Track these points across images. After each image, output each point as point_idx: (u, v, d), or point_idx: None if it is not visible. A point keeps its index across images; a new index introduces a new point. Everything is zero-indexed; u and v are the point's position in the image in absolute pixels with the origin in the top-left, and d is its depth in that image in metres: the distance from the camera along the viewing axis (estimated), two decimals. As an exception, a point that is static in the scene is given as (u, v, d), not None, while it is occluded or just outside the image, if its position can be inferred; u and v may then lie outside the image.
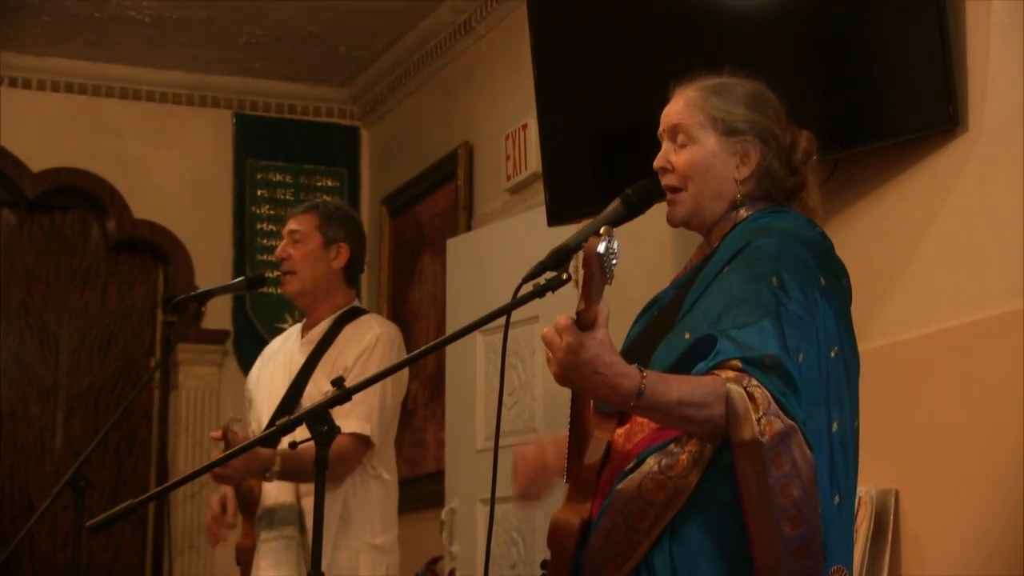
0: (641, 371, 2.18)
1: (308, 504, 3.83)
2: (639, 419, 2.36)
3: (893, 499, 3.35)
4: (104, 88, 6.78)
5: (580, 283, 2.10)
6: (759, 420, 2.18)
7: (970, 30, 3.33)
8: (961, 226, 3.33)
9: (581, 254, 2.07)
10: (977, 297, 3.25)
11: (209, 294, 4.18)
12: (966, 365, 3.25)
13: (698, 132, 2.51)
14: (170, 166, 6.86)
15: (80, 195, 6.76)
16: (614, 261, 2.07)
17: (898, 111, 3.47)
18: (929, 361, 3.35)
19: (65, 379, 6.72)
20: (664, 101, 2.60)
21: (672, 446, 2.29)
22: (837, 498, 2.32)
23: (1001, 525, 3.12)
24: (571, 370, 2.17)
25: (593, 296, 2.11)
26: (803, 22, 3.65)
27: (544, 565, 2.41)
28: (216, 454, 3.67)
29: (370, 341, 3.94)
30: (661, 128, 2.57)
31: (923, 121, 3.39)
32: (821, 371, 2.33)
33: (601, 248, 2.05)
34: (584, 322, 2.13)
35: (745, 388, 2.20)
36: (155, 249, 6.85)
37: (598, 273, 2.06)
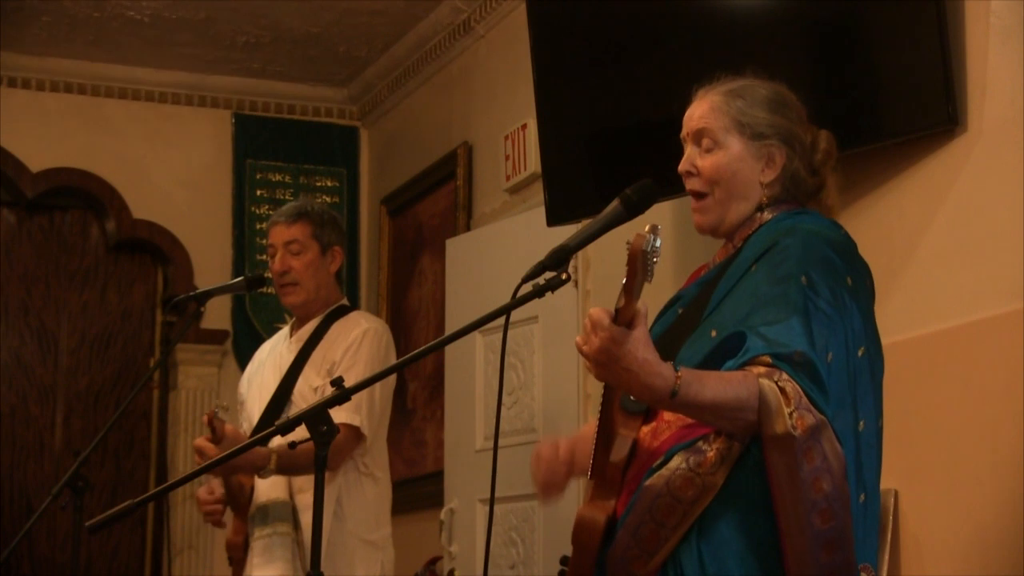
0: (676, 370, 2.18)
1: (301, 500, 3.84)
2: (665, 417, 2.37)
3: (893, 499, 3.35)
4: (104, 88, 6.78)
5: (624, 279, 2.09)
6: (791, 414, 2.19)
7: (970, 30, 3.33)
8: (961, 226, 3.33)
9: (627, 250, 2.07)
10: (977, 297, 3.25)
11: (208, 294, 4.18)
12: (966, 365, 3.25)
13: (724, 136, 2.51)
14: (170, 166, 6.86)
15: (80, 195, 6.76)
16: (656, 259, 2.08)
17: (898, 111, 3.47)
18: (929, 361, 3.35)
19: (64, 379, 6.72)
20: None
21: (700, 443, 2.30)
22: (862, 496, 2.33)
23: (1001, 525, 3.11)
24: (604, 367, 2.18)
25: (634, 293, 2.11)
26: (803, 22, 3.65)
27: (564, 561, 2.40)
28: (201, 441, 3.68)
29: (357, 336, 3.96)
30: (684, 131, 2.56)
31: (923, 121, 3.38)
32: (849, 370, 2.34)
33: (647, 246, 2.04)
34: (623, 318, 2.14)
35: (776, 383, 2.21)
36: (155, 249, 6.85)
37: (641, 271, 2.07)
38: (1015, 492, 3.07)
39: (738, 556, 2.26)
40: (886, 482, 3.36)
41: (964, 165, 3.33)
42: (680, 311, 2.55)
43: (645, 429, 2.39)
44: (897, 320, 3.45)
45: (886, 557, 3.32)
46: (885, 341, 3.07)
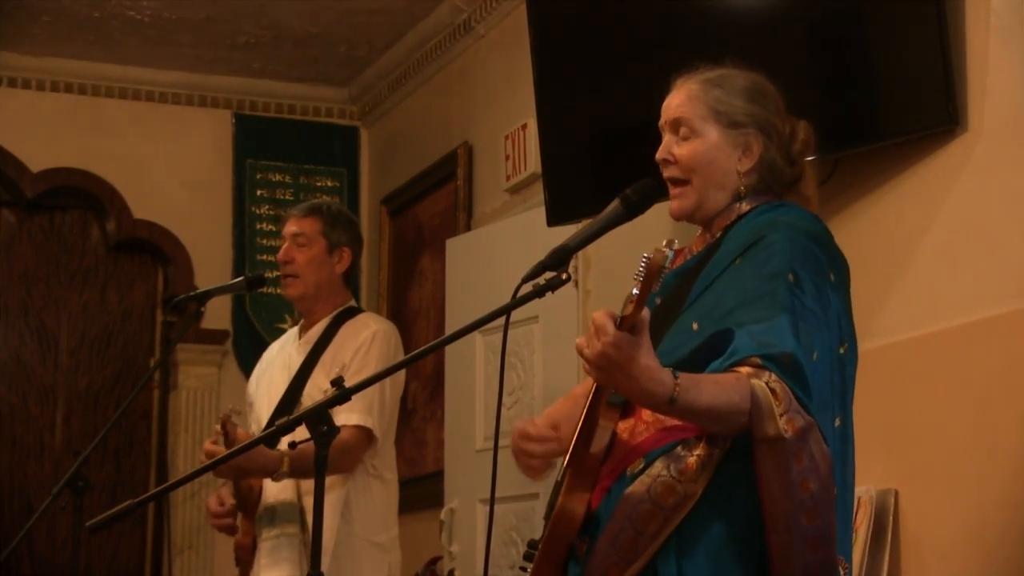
0: (675, 376, 2.19)
1: (309, 502, 3.83)
2: (644, 416, 2.37)
3: (893, 499, 3.35)
4: (104, 88, 6.78)
5: (636, 290, 2.10)
6: (781, 416, 2.20)
7: (970, 30, 3.33)
8: (961, 226, 3.33)
9: (644, 265, 2.08)
10: (977, 297, 3.25)
11: (209, 294, 4.18)
12: (966, 365, 3.26)
13: (700, 125, 2.51)
14: (170, 166, 6.86)
15: (80, 195, 6.76)
16: (666, 271, 2.11)
17: (898, 111, 3.47)
18: (929, 361, 3.35)
19: (64, 379, 6.72)
20: (663, 100, 2.60)
21: (679, 449, 2.30)
22: (834, 491, 2.33)
23: (1001, 525, 3.12)
24: (604, 371, 2.18)
25: (643, 303, 2.13)
26: (803, 22, 3.65)
27: (533, 545, 2.41)
28: (208, 444, 3.68)
29: (367, 338, 3.95)
30: (662, 120, 2.57)
31: (923, 121, 3.39)
32: (832, 368, 2.35)
33: (665, 262, 2.07)
34: (626, 325, 2.14)
35: (767, 384, 2.22)
36: (155, 249, 6.85)
37: (655, 284, 2.09)
38: (1015, 492, 3.07)
39: (717, 565, 2.27)
40: (886, 482, 3.37)
41: (964, 165, 3.33)
42: (658, 301, 2.54)
43: (623, 424, 2.40)
44: (897, 320, 3.45)
45: (886, 557, 3.32)
46: (885, 341, 3.08)
